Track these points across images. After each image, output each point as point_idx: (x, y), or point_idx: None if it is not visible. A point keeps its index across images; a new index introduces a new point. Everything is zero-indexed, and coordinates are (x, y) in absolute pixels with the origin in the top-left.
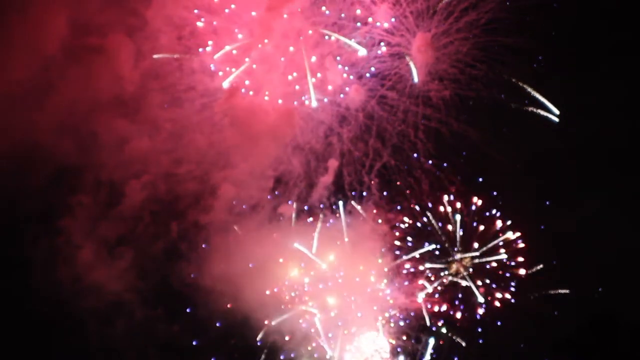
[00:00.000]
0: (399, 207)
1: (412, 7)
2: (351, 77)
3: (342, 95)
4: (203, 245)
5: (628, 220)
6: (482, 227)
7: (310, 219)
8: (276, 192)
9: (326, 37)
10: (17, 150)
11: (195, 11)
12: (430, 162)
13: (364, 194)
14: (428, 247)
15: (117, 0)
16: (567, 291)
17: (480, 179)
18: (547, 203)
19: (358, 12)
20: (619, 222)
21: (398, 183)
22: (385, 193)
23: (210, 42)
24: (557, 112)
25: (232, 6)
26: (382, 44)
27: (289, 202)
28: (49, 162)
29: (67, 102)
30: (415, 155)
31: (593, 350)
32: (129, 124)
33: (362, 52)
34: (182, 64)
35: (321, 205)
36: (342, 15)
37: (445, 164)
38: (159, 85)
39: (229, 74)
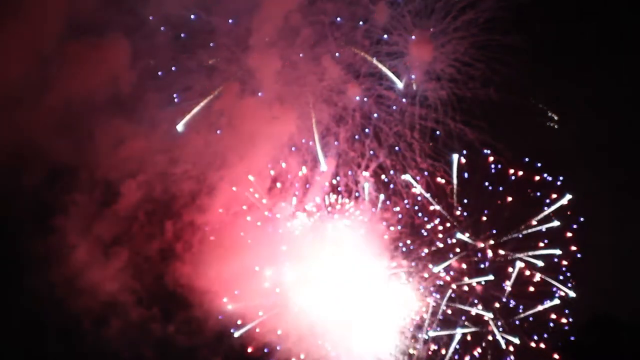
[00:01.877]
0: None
1: (410, 6)
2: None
3: None
4: (198, 245)
5: (628, 219)
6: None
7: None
8: (272, 192)
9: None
10: (11, 149)
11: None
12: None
13: (359, 193)
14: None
15: None
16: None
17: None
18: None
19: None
20: (619, 221)
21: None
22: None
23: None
24: (555, 111)
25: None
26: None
27: (285, 202)
28: (43, 161)
29: (63, 101)
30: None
31: (593, 350)
32: (125, 123)
33: (399, 85)
34: (179, 63)
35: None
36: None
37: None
38: (156, 85)
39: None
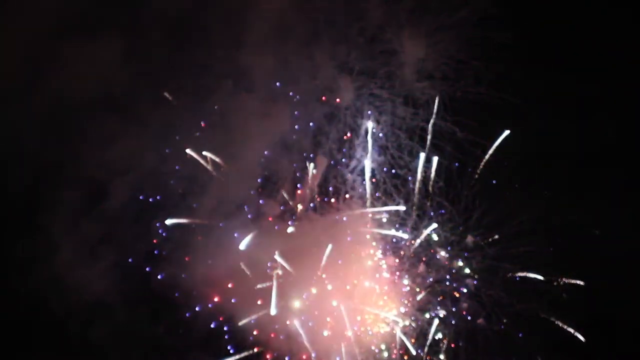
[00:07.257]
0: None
1: (404, 4)
2: None
3: None
4: (188, 245)
5: (628, 218)
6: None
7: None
8: (263, 192)
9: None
10: None
11: None
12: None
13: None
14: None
15: None
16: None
17: None
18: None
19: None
20: (619, 221)
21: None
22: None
23: None
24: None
25: None
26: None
27: (276, 202)
28: (32, 159)
29: (52, 98)
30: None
31: (593, 350)
32: (115, 122)
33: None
34: (174, 61)
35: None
36: None
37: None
38: (148, 83)
39: None
